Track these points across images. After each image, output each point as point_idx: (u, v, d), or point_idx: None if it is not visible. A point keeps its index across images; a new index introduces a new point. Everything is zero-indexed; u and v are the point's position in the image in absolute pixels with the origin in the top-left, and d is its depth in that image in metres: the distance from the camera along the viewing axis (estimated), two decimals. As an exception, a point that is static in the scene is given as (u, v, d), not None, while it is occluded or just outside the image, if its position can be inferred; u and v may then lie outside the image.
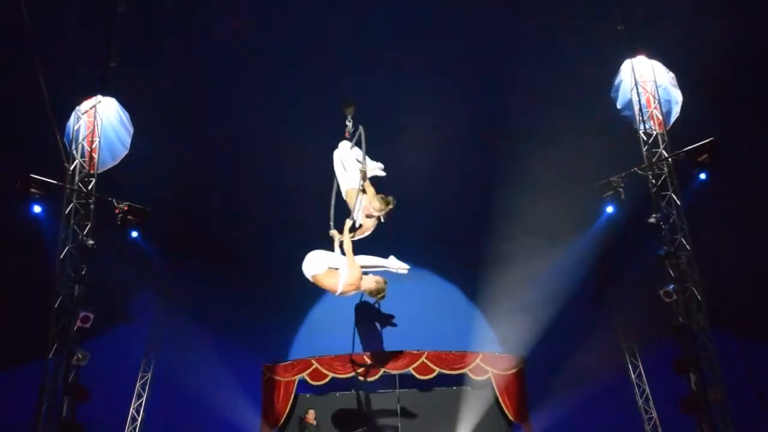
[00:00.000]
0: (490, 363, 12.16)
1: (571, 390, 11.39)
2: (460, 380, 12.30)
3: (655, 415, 11.83)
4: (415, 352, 12.13)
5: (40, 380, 9.03)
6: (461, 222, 12.09)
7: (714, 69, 9.68)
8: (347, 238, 7.18)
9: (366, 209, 7.61)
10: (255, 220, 12.12)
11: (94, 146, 10.28)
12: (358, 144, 7.85)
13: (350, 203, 7.63)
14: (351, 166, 7.79)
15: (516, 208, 11.25)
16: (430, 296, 12.64)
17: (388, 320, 12.50)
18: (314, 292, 12.73)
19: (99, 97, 10.36)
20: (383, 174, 8.11)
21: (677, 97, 10.16)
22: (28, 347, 10.02)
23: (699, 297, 9.39)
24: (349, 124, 7.93)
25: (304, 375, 12.30)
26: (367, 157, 7.75)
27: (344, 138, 8.04)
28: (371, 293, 7.37)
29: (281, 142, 11.25)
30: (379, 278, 7.38)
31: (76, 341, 9.41)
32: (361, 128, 7.75)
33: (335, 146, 8.01)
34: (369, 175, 7.77)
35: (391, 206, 7.60)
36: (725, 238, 10.57)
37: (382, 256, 7.90)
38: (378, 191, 7.75)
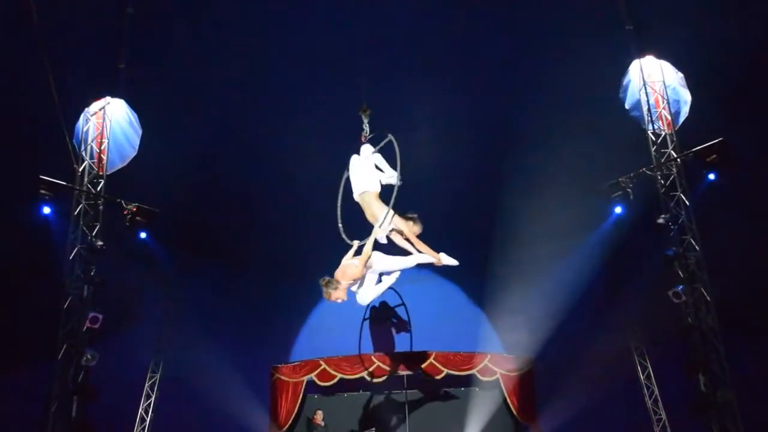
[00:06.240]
0: (498, 364, 12.17)
1: (579, 391, 11.35)
2: (468, 381, 12.31)
3: (664, 416, 11.76)
4: (423, 352, 12.14)
5: (49, 380, 9.06)
6: (469, 223, 12.06)
7: (723, 69, 9.68)
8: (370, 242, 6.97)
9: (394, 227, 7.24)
10: (263, 220, 12.13)
11: (102, 148, 10.32)
12: (380, 150, 7.55)
13: (366, 208, 7.42)
14: (368, 170, 7.41)
15: (524, 209, 11.26)
16: (438, 297, 12.63)
17: (396, 321, 12.49)
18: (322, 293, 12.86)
19: (108, 99, 10.41)
20: (399, 183, 7.48)
21: (686, 97, 10.12)
22: (38, 348, 10.04)
23: (708, 298, 9.36)
24: (366, 128, 7.85)
25: (312, 376, 12.33)
26: (387, 166, 7.46)
27: (361, 142, 7.98)
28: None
29: (290, 143, 11.26)
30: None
31: (86, 342, 9.45)
32: (391, 137, 7.45)
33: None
34: (384, 182, 7.42)
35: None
36: (734, 239, 10.52)
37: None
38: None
